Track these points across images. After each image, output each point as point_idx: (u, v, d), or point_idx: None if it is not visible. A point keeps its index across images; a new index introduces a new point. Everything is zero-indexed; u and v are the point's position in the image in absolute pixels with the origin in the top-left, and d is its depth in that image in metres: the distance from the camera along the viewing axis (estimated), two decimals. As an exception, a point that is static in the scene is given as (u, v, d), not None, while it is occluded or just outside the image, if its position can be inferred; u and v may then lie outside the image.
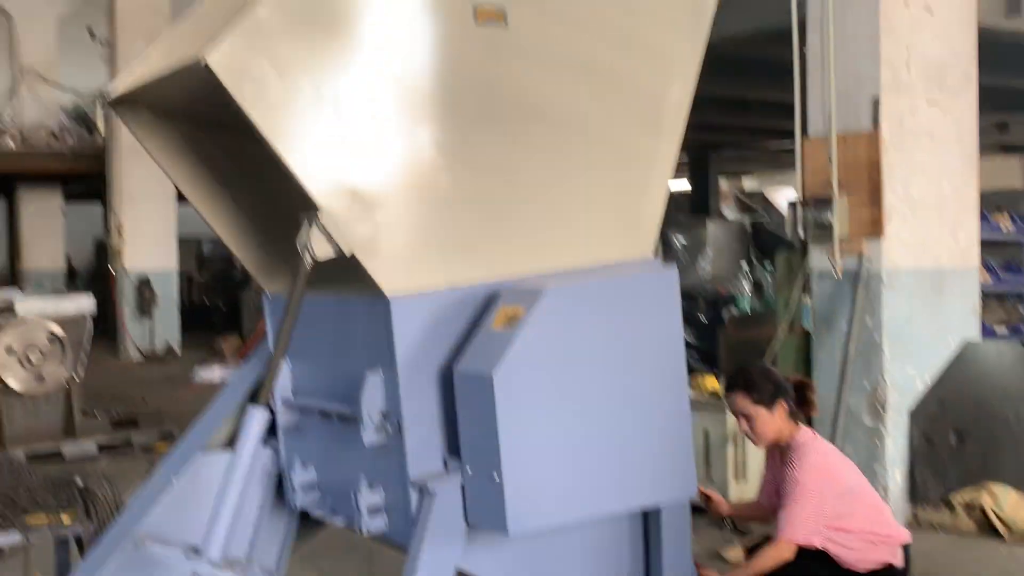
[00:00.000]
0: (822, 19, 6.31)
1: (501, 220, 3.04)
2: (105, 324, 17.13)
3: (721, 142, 18.56)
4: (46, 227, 20.73)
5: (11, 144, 17.84)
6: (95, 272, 22.34)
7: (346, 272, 2.86)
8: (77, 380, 8.98)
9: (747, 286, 7.84)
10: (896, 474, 6.33)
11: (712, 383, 6.67)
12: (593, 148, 3.17)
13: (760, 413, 3.88)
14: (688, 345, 10.98)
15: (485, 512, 2.81)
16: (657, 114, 3.28)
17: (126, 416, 9.75)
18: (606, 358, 2.92)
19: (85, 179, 18.68)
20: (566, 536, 3.09)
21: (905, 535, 4.01)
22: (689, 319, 11.53)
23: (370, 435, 2.92)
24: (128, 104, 3.23)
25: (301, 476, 3.29)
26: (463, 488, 2.86)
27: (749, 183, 25.55)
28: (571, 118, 3.11)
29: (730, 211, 20.26)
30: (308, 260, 2.73)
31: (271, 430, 3.34)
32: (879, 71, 6.13)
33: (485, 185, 3.01)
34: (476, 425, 2.80)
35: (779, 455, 4.00)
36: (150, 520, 3.26)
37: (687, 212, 17.73)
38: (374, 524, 3.00)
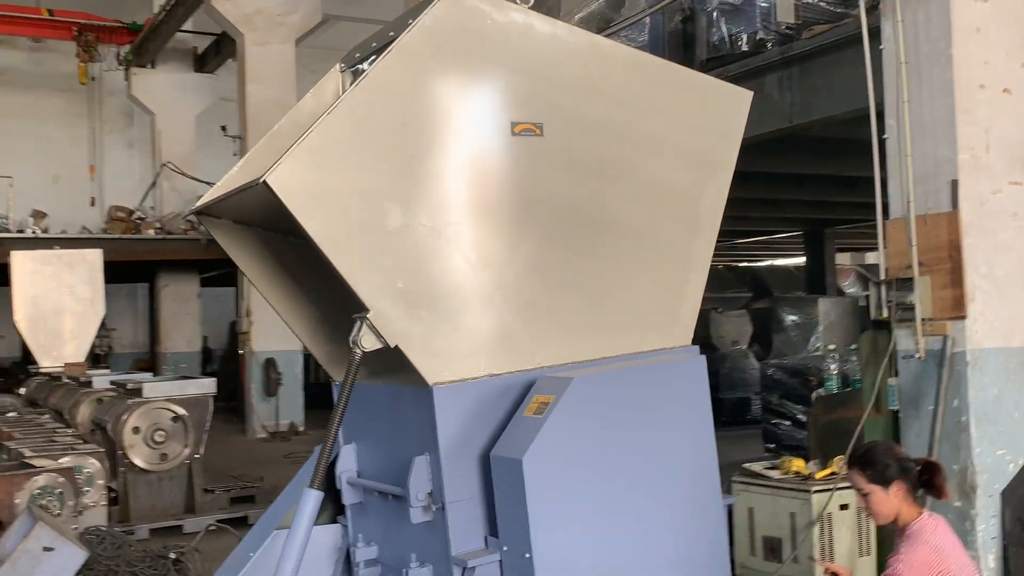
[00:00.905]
0: (897, 104, 6.42)
1: (540, 313, 3.29)
2: (237, 403, 17.95)
3: (834, 219, 18.42)
4: (184, 311, 21.84)
5: (151, 233, 19.02)
6: (229, 353, 23.36)
7: (398, 364, 3.15)
8: (199, 458, 9.50)
9: (835, 366, 7.83)
10: (989, 558, 6.22)
11: (799, 465, 6.69)
12: (630, 245, 3.40)
13: (875, 491, 3.86)
14: (798, 423, 10.96)
15: (517, 590, 3.02)
16: (694, 213, 3.50)
17: (244, 492, 10.22)
18: (635, 441, 3.12)
19: (220, 264, 19.70)
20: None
21: None
22: (793, 396, 11.49)
23: (417, 514, 3.16)
24: (215, 215, 3.63)
25: (364, 553, 3.55)
26: (501, 565, 3.07)
27: (872, 257, 25.12)
28: (606, 218, 3.36)
29: (852, 287, 19.96)
30: (358, 353, 3.03)
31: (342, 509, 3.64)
32: (956, 154, 6.18)
33: (525, 282, 3.27)
34: (510, 506, 3.02)
35: (897, 542, 4.01)
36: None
37: (803, 289, 17.59)
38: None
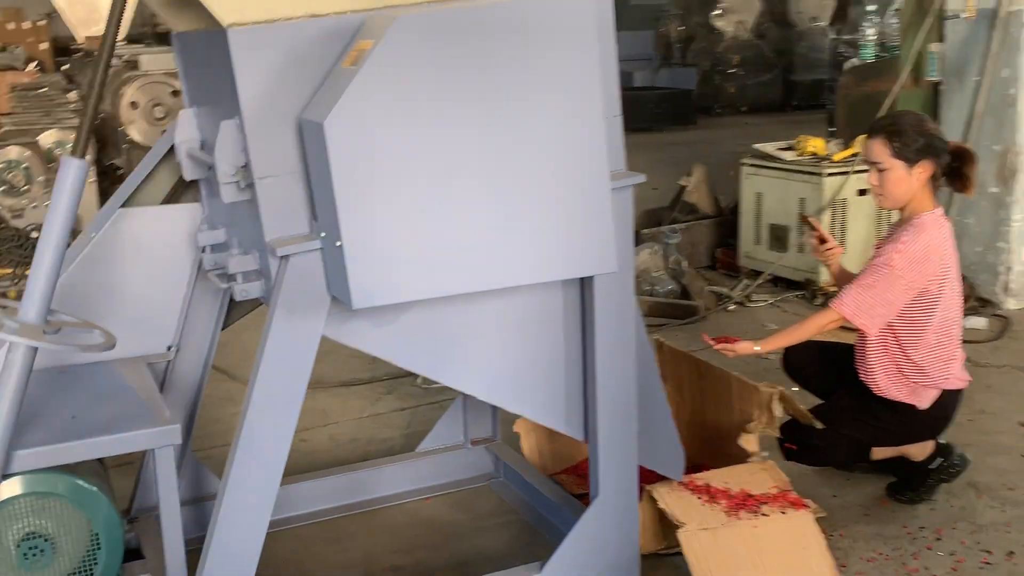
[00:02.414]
0: None
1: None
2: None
3: None
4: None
5: None
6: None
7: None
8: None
9: (872, 31, 6.79)
10: (1022, 251, 5.49)
11: (816, 145, 5.89)
12: None
13: (896, 168, 3.29)
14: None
15: (336, 281, 2.45)
16: None
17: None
18: (484, 103, 2.41)
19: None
20: (475, 308, 2.71)
21: (956, 384, 3.43)
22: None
23: (229, 192, 2.57)
24: None
25: (207, 237, 3.01)
26: (322, 255, 2.49)
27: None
28: None
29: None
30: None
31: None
32: None
33: None
34: (320, 183, 2.40)
35: (894, 230, 3.42)
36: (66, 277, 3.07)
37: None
38: (249, 289, 2.70)
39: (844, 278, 3.61)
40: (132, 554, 3.13)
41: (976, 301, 5.64)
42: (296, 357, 2.54)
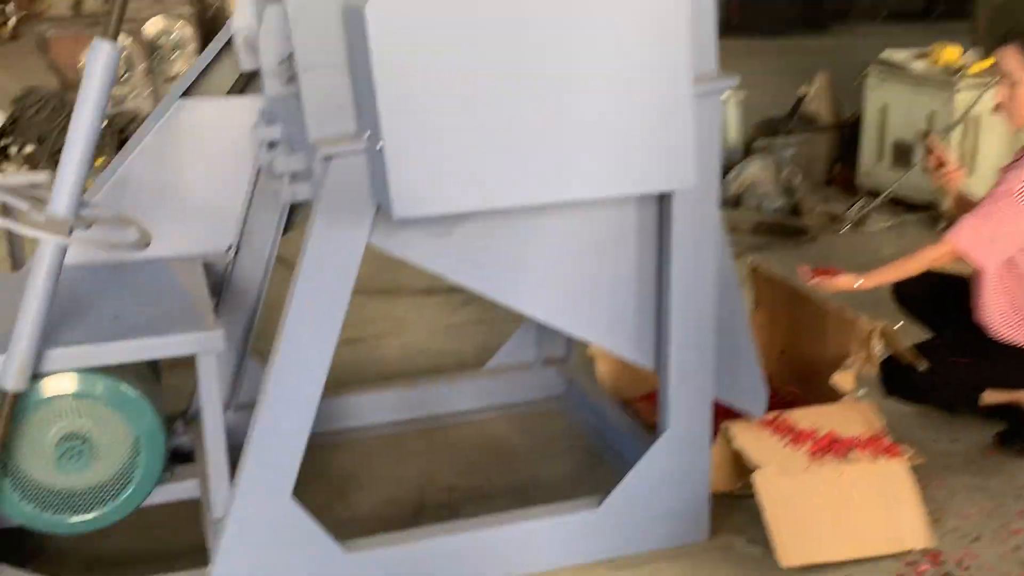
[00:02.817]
0: None
1: None
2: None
3: None
4: None
5: None
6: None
7: None
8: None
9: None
10: None
11: (951, 55, 5.37)
12: None
13: None
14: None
15: (379, 187, 2.24)
16: None
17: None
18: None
19: None
20: (537, 223, 2.48)
21: None
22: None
23: (272, 85, 2.37)
24: None
25: (264, 132, 2.81)
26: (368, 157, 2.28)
27: None
28: None
29: None
30: None
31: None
32: None
33: None
34: (362, 78, 2.17)
35: (1022, 154, 3.07)
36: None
37: None
38: (297, 191, 2.51)
39: (965, 206, 3.25)
40: (186, 457, 3.06)
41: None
42: (338, 266, 2.36)
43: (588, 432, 3.36)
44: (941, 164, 3.27)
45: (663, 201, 2.55)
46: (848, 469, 2.79)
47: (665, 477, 2.75)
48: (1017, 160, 3.06)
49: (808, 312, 3.30)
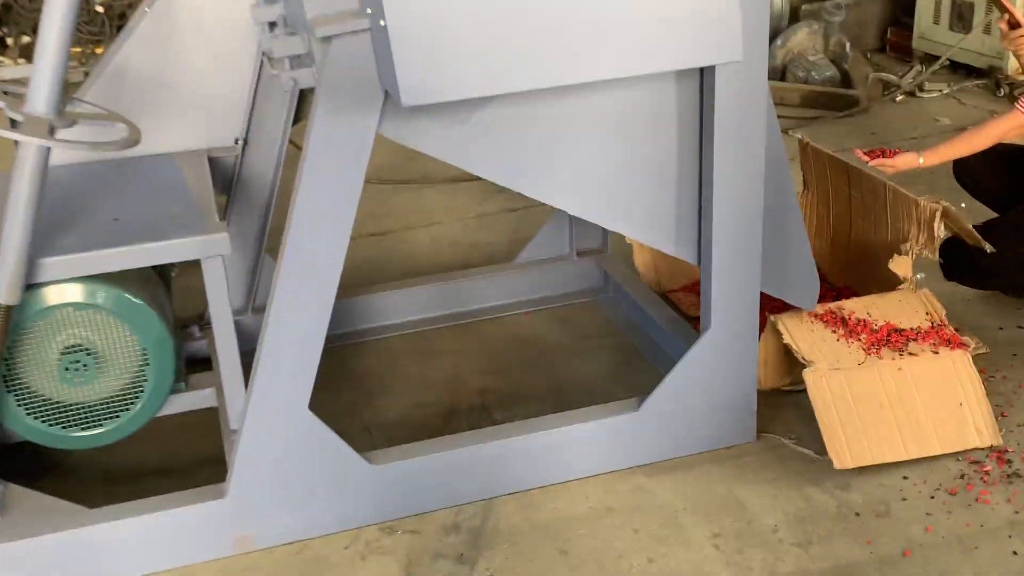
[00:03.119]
0: None
1: None
2: None
3: None
4: None
5: None
6: None
7: None
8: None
9: None
10: None
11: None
12: None
13: None
14: None
15: (385, 71, 2.00)
16: None
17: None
18: None
19: None
20: (566, 104, 2.24)
21: None
22: None
23: (266, -47, 2.12)
24: None
25: (261, 13, 2.56)
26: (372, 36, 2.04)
27: None
28: None
29: None
30: None
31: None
32: None
33: None
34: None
35: None
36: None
37: None
38: (299, 77, 2.28)
39: None
40: (206, 363, 2.93)
41: None
42: (345, 157, 2.14)
43: (626, 328, 3.17)
44: (1014, 25, 2.96)
45: (705, 76, 2.29)
46: (907, 363, 2.59)
47: (708, 377, 2.57)
48: None
49: (862, 191, 3.05)
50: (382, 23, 1.90)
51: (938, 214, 2.76)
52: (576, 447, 2.55)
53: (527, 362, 3.07)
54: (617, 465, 2.58)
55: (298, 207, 2.16)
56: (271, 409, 2.31)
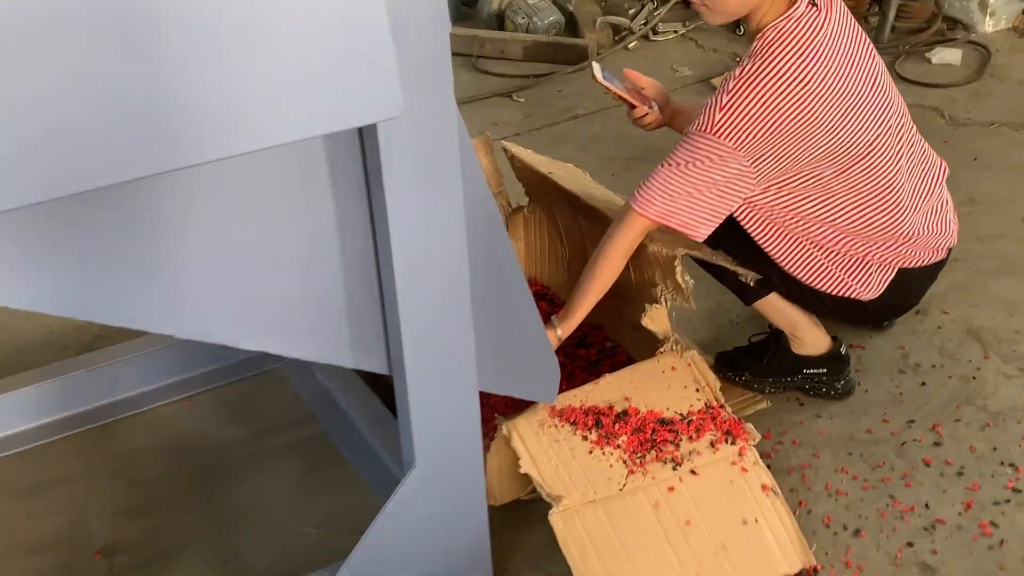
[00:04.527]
0: None
1: None
2: None
3: None
4: None
5: None
6: None
7: None
8: None
9: None
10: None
11: None
12: None
13: None
14: None
15: None
16: None
17: None
18: None
19: None
20: (159, 196, 1.38)
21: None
22: None
23: None
24: None
25: None
26: None
27: None
28: None
29: None
30: None
31: None
32: None
33: None
34: None
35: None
36: None
37: None
38: None
39: (685, 111, 2.36)
40: None
41: (944, 23, 4.41)
42: None
43: (320, 404, 2.37)
44: (632, 107, 2.31)
45: (365, 136, 1.48)
46: (681, 478, 1.93)
47: (417, 530, 1.82)
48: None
49: (592, 222, 2.36)
50: None
51: (677, 262, 2.09)
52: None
53: (182, 486, 2.22)
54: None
55: None
56: None
